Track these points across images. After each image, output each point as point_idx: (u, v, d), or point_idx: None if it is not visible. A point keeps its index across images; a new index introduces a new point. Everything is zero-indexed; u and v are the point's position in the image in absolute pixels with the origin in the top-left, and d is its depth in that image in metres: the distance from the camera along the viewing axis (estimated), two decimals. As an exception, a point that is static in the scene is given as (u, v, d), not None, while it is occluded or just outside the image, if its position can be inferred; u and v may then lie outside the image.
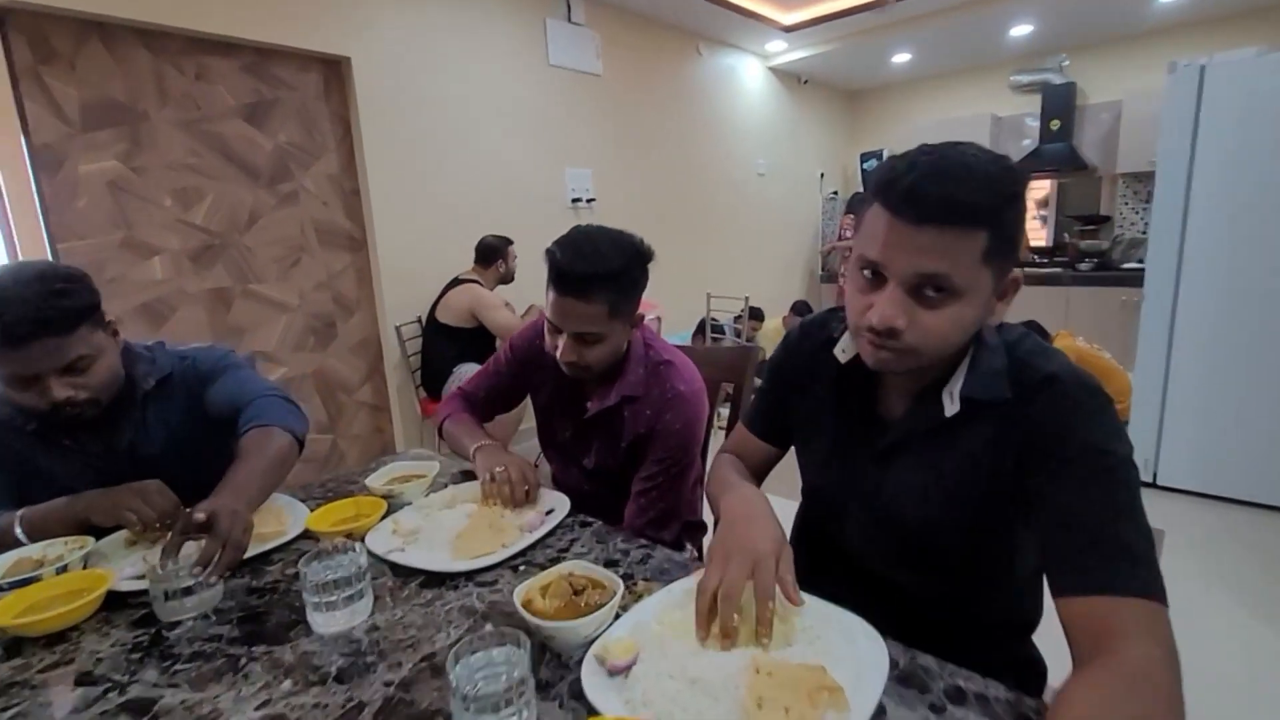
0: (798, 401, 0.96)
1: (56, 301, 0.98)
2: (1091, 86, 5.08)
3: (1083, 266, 4.93)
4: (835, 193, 6.33)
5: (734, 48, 4.94)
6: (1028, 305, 4.79)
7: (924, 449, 0.81)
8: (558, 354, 1.12)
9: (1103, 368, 3.35)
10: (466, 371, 2.81)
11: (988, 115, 5.39)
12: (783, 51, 5.15)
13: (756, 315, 4.51)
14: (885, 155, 5.99)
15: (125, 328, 1.15)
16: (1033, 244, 5.53)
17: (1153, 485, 2.74)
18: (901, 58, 5.30)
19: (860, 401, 0.87)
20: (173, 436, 1.18)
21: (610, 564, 0.90)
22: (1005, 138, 5.54)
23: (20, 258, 2.24)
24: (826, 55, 5.11)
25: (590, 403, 1.18)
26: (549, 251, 1.09)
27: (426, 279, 3.12)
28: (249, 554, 0.93)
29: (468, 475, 1.21)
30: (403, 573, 0.90)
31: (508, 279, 3.12)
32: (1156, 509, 2.58)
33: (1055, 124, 5.10)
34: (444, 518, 1.00)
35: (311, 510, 1.08)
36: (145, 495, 0.98)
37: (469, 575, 0.88)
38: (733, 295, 4.22)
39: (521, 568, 0.90)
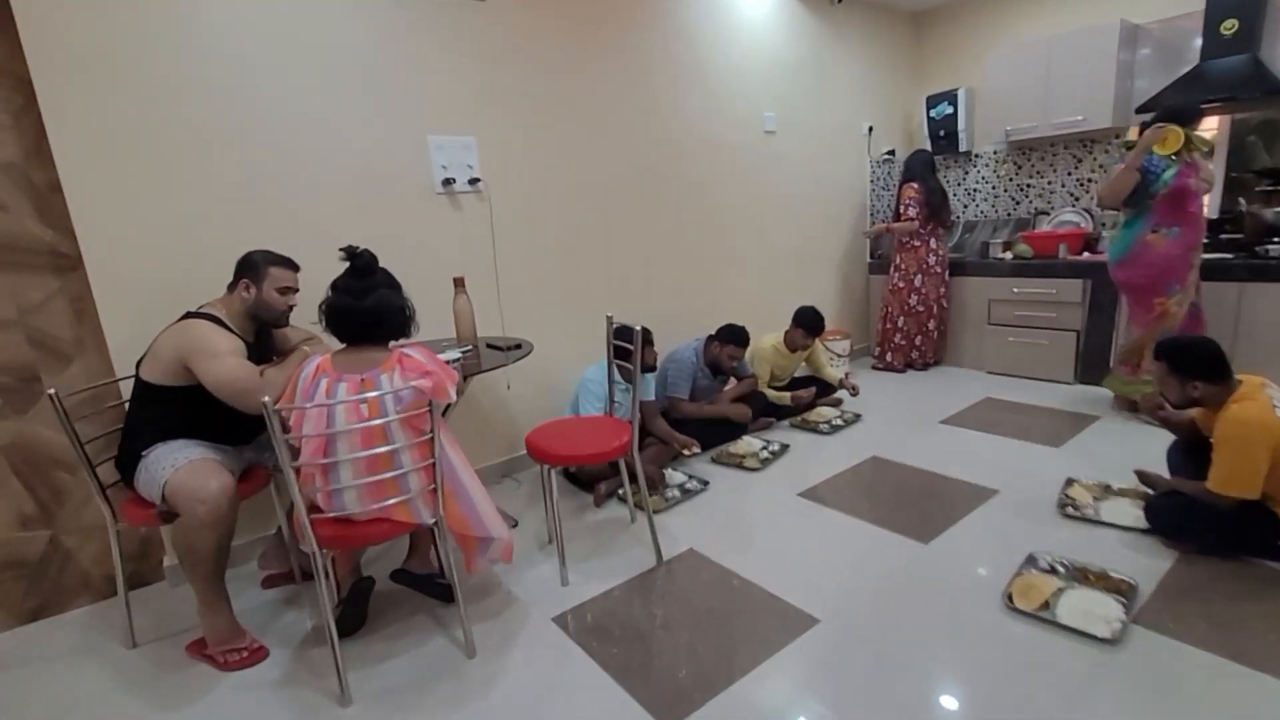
0: None
1: None
2: (1298, -40, 3.20)
3: (1275, 250, 3.16)
4: (891, 152, 4.74)
5: (720, -45, 3.56)
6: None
7: None
8: None
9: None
10: (160, 460, 1.82)
11: (1116, 25, 3.63)
12: (797, -44, 3.69)
13: (733, 338, 3.19)
14: (962, 96, 4.35)
15: None
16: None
17: None
18: (977, -52, 3.65)
19: None
20: None
21: None
22: (1146, 57, 3.75)
23: None
24: (863, -44, 3.60)
25: None
26: None
27: (187, 305, 2.12)
28: None
29: None
30: None
31: (264, 313, 2.05)
32: None
33: (1230, 26, 3.29)
34: None
35: None
36: None
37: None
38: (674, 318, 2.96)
39: None
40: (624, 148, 3.30)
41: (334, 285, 1.67)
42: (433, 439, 1.65)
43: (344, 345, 1.68)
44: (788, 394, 3.52)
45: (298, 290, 2.08)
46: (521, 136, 2.94)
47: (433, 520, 1.72)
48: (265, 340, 2.16)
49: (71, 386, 2.12)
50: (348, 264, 1.68)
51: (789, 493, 2.68)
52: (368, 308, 1.62)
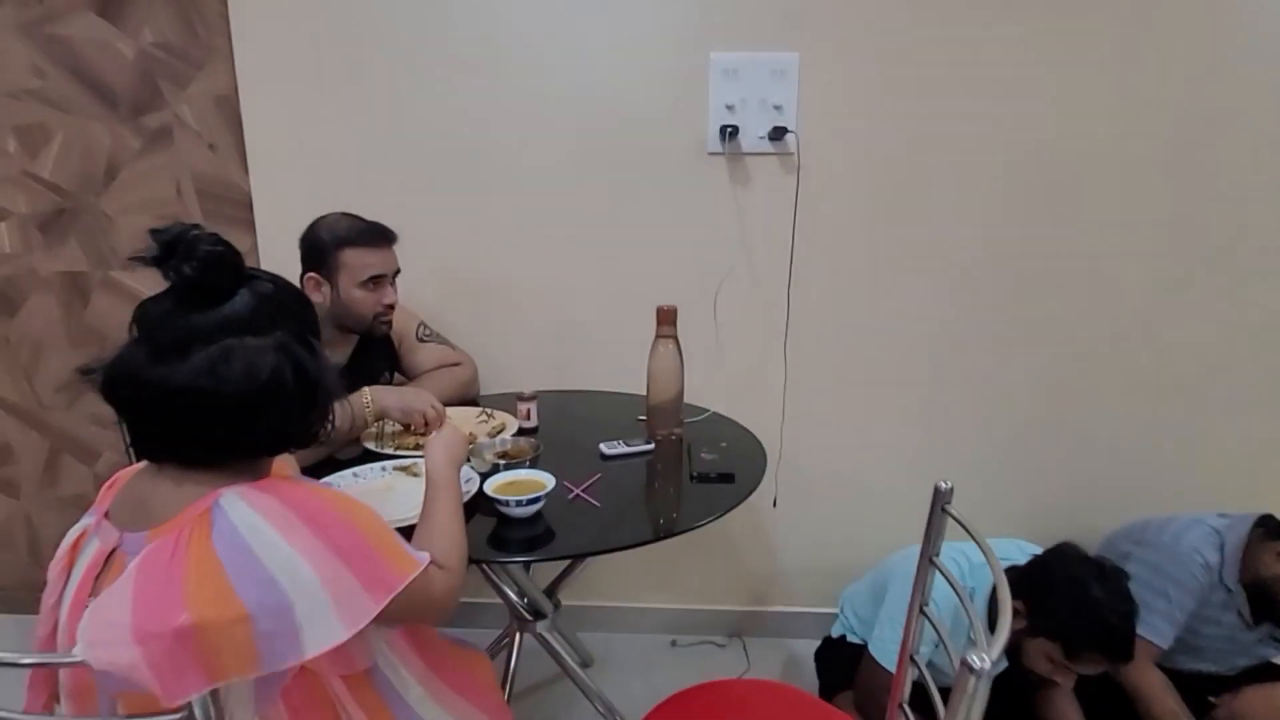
0: None
1: None
2: None
3: None
4: None
5: None
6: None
7: None
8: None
9: None
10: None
11: None
12: None
13: None
14: None
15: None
16: None
17: None
18: None
19: None
20: None
21: None
22: None
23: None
24: None
25: None
26: None
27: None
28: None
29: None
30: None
31: (349, 322, 1.34)
32: None
33: None
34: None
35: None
36: None
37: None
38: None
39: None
40: (1115, 91, 1.51)
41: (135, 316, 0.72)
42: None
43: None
44: None
45: (395, 274, 1.32)
46: (887, 56, 1.52)
47: None
48: (378, 355, 1.45)
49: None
50: (154, 265, 0.69)
51: None
52: (167, 384, 0.63)
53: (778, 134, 1.55)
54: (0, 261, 1.85)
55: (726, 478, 1.14)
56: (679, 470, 1.22)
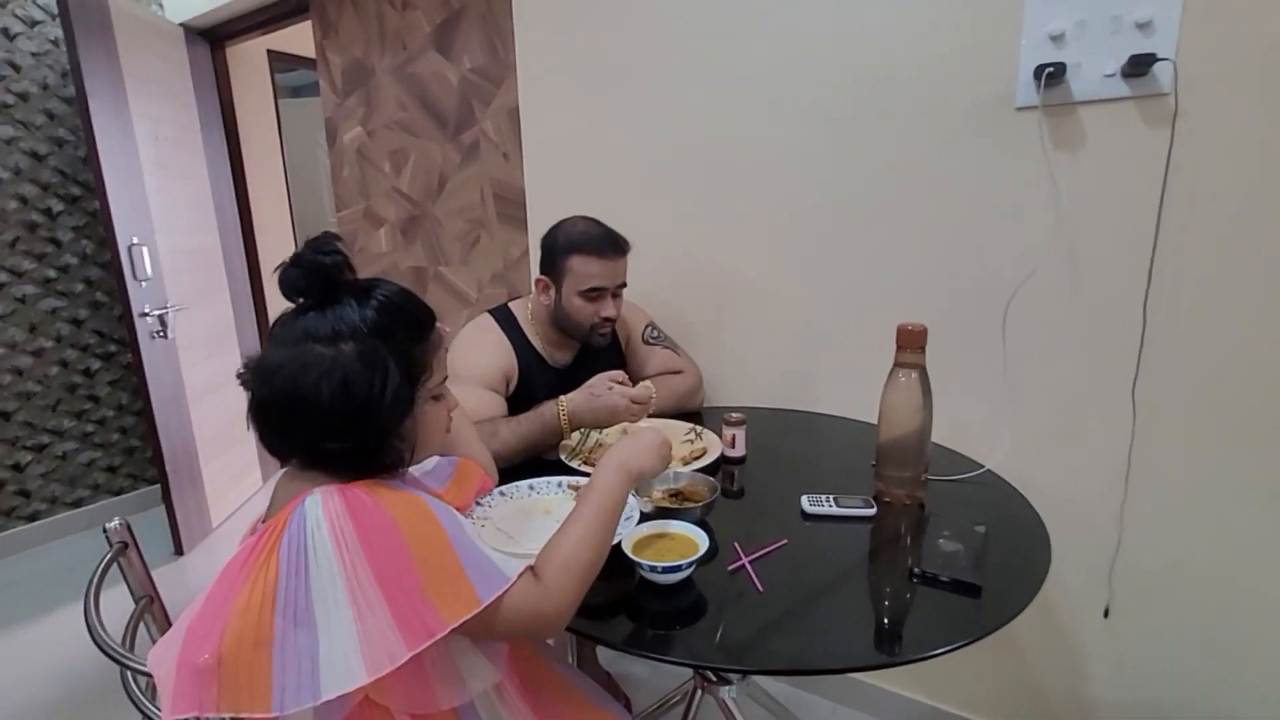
0: None
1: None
2: None
3: None
4: None
5: None
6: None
7: None
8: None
9: None
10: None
11: None
12: None
13: None
14: None
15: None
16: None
17: None
18: None
19: None
20: None
21: None
22: None
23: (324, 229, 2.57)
24: None
25: None
26: None
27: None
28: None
29: None
30: None
31: (569, 328, 1.31)
32: None
33: None
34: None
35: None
36: None
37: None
38: None
39: None
40: None
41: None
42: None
43: None
44: None
45: (619, 287, 1.27)
46: None
47: None
48: (604, 356, 1.43)
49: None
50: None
51: None
52: (241, 381, 0.68)
53: (1139, 66, 1.02)
54: (380, 257, 2.38)
55: (966, 589, 0.78)
56: (904, 555, 0.90)
